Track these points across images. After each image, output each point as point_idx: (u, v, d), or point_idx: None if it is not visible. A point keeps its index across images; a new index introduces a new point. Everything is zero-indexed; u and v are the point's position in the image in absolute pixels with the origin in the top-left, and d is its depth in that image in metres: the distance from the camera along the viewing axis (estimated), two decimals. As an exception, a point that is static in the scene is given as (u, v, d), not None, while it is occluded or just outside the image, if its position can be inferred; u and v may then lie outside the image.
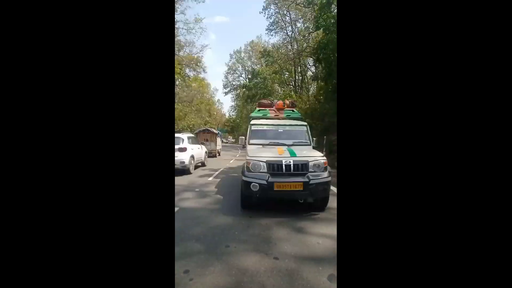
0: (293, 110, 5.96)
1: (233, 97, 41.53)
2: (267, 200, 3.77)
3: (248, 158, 3.82)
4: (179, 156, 7.00)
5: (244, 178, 3.67)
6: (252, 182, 3.53)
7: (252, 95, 26.37)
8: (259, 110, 5.86)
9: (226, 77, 38.94)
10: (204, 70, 24.93)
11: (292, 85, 25.82)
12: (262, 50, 26.36)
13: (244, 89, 27.47)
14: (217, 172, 7.99)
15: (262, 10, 25.44)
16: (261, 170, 3.62)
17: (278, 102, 6.10)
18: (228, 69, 38.81)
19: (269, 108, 5.85)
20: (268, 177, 3.55)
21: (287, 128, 4.95)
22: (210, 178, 6.87)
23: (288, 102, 6.18)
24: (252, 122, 5.08)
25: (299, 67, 24.40)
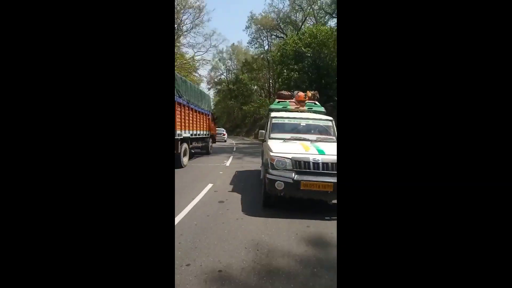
0: (315, 103, 5.66)
1: (215, 92, 49.91)
2: (294, 198, 3.54)
3: (272, 154, 3.55)
4: (224, 136, 20.57)
5: (268, 176, 3.46)
6: (277, 180, 3.33)
7: (235, 95, 35.79)
8: (278, 102, 5.63)
9: (209, 73, 47.52)
10: (199, 75, 33.65)
11: (266, 88, 35.50)
12: (244, 60, 35.48)
13: (226, 86, 36.53)
14: (235, 142, 20.63)
15: (245, 28, 34.48)
16: (286, 167, 3.39)
17: (299, 93, 5.73)
18: (212, 68, 47.29)
19: (289, 100, 5.60)
20: (294, 175, 3.33)
21: (311, 122, 4.69)
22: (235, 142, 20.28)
23: (310, 94, 5.83)
24: (273, 114, 4.86)
25: (272, 74, 33.82)
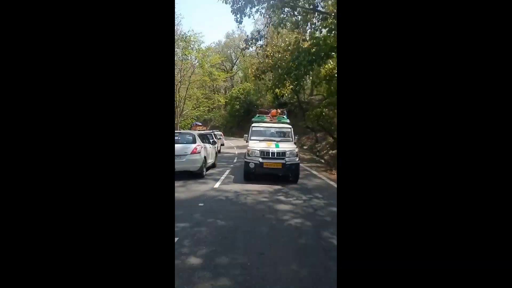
0: (283, 117, 8.25)
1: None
2: (260, 173, 6.23)
3: (248, 148, 6.32)
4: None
5: (245, 160, 6.28)
6: (250, 162, 6.14)
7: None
8: (258, 116, 8.17)
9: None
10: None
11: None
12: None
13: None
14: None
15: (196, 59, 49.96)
16: (256, 155, 6.14)
17: (272, 110, 8.59)
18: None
19: (265, 115, 8.24)
20: (260, 159, 6.11)
21: (277, 129, 7.38)
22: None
23: (279, 111, 8.74)
24: (253, 124, 7.49)
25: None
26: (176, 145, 6.17)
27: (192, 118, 26.27)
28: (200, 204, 4.45)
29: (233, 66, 45.49)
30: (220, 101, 26.99)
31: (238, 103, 33.65)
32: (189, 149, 6.45)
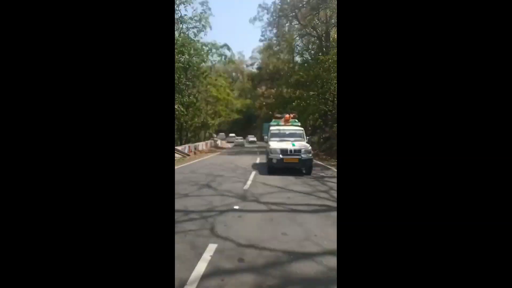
0: (295, 120, 9.75)
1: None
2: (281, 167, 7.64)
3: (271, 147, 7.83)
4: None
5: (268, 157, 7.83)
6: (273, 158, 7.57)
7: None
8: (274, 120, 9.89)
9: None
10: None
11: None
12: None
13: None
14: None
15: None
16: (277, 153, 7.57)
17: (286, 115, 9.91)
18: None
19: (280, 119, 9.77)
20: (281, 156, 7.49)
21: (291, 131, 8.87)
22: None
23: (292, 115, 9.98)
24: (271, 128, 9.19)
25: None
26: (240, 140, 29.88)
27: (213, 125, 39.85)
28: (257, 152, 17.67)
29: (234, 82, 59.01)
30: (235, 116, 40.76)
31: (241, 114, 47.38)
32: (243, 140, 29.82)
